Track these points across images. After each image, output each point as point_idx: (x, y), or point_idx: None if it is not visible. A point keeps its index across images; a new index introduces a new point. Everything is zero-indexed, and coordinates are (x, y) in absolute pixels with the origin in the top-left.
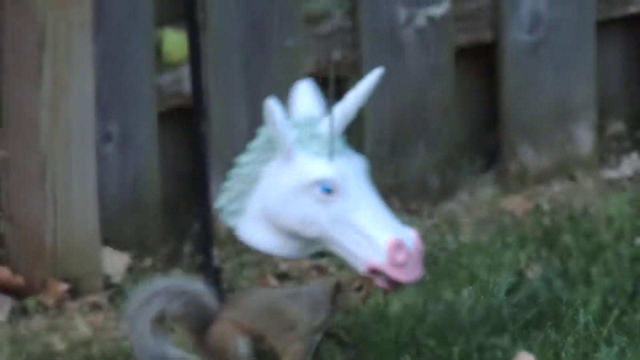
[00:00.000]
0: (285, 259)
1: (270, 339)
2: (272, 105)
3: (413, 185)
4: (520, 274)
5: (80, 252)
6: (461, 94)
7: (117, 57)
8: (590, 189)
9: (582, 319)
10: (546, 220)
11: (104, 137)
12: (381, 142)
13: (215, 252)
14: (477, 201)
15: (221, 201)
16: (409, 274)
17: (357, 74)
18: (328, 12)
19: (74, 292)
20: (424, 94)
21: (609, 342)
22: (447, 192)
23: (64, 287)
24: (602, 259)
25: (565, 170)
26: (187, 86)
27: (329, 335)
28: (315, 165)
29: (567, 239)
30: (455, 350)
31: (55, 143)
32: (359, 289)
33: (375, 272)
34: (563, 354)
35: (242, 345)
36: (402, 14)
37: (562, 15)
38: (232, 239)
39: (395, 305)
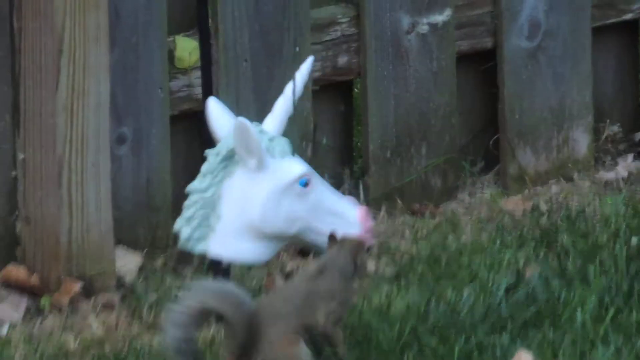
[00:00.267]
0: (292, 259)
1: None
2: (243, 122)
3: (415, 186)
4: (519, 274)
5: (94, 251)
6: (462, 98)
7: (132, 62)
8: (586, 190)
9: (579, 317)
10: (544, 221)
11: (118, 139)
12: (384, 145)
13: None
14: (477, 202)
15: (185, 232)
16: (372, 237)
17: (362, 79)
18: (334, 19)
19: (88, 291)
20: (426, 98)
21: (605, 341)
22: (448, 193)
23: (78, 286)
24: (599, 259)
25: (562, 171)
26: (198, 91)
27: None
28: (291, 165)
29: (564, 238)
30: (456, 348)
31: (71, 145)
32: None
33: None
34: (561, 353)
35: (305, 352)
36: (405, 21)
37: (560, 23)
38: None
39: (398, 305)
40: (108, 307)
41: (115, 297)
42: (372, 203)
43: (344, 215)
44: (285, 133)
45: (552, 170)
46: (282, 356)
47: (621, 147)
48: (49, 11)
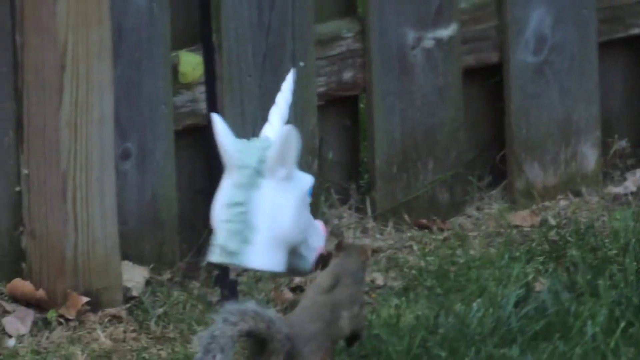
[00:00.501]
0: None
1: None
2: (293, 130)
3: (423, 201)
4: (528, 287)
5: (100, 266)
6: (469, 113)
7: (136, 77)
8: (595, 204)
9: (589, 330)
10: (553, 235)
11: (123, 155)
12: (391, 160)
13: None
14: (485, 216)
15: (229, 246)
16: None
17: (367, 94)
18: (338, 34)
19: (95, 305)
20: (432, 113)
21: (616, 354)
22: (456, 207)
23: (84, 300)
24: (608, 272)
25: (570, 186)
26: (202, 106)
27: None
28: (305, 175)
29: (573, 252)
30: None
31: (75, 161)
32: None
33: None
34: None
35: None
36: (410, 36)
37: (566, 37)
38: None
39: (408, 318)
40: (115, 320)
41: (122, 311)
42: (379, 218)
43: (317, 228)
44: None
45: (560, 185)
46: None
47: (630, 162)
48: (51, 26)
